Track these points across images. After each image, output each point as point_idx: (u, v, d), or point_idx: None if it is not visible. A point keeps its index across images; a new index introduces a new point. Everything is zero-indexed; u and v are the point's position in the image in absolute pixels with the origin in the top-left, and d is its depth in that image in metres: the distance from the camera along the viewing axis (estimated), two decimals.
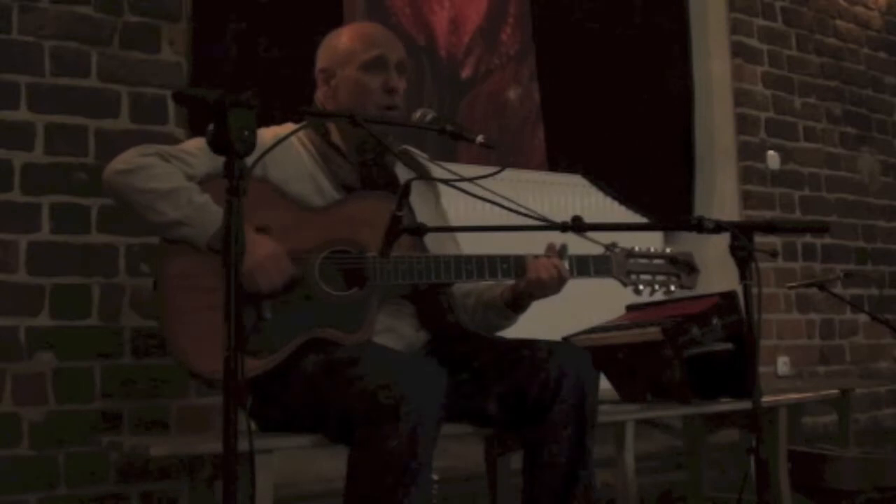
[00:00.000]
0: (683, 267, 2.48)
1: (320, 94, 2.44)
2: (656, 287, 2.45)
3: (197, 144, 2.28)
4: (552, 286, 2.32)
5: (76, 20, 2.80)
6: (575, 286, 2.43)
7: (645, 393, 2.83)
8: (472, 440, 2.65)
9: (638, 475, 2.80)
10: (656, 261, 2.47)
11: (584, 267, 2.38)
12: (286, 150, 2.25)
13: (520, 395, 2.24)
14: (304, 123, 2.36)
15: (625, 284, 2.43)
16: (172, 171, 2.19)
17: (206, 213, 2.15)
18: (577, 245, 2.30)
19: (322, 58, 2.45)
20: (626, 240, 2.45)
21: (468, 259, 2.29)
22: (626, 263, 2.43)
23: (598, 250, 2.40)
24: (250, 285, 2.12)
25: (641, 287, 2.44)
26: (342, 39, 2.43)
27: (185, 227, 2.15)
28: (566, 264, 2.34)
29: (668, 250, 2.51)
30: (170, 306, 2.16)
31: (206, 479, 2.65)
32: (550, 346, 2.29)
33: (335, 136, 2.41)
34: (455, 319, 2.44)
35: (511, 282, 2.36)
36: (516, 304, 2.38)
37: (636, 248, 2.44)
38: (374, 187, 2.37)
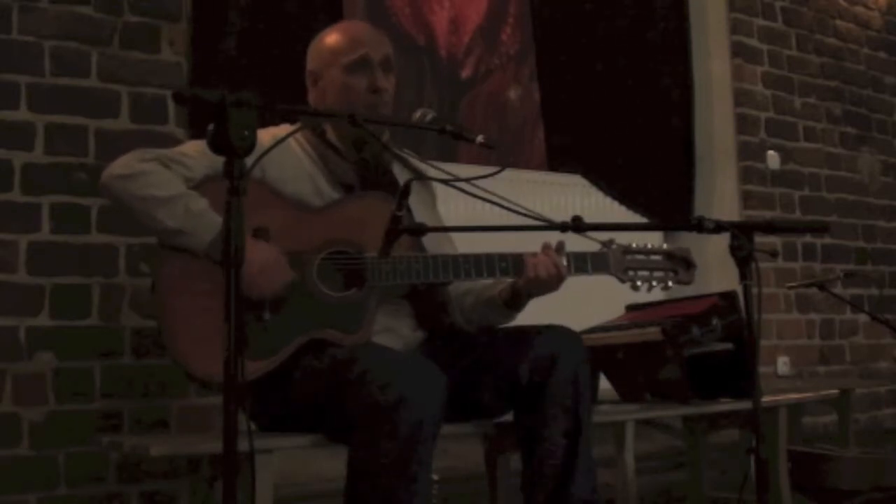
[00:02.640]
0: (681, 262, 2.48)
1: (311, 97, 2.44)
2: (654, 283, 2.45)
3: (195, 147, 2.28)
4: (551, 284, 2.32)
5: (76, 20, 2.80)
6: (575, 286, 2.43)
7: (645, 393, 2.83)
8: (472, 440, 2.65)
9: (638, 475, 2.80)
10: (653, 257, 2.47)
11: (582, 264, 2.38)
12: (284, 151, 2.25)
13: (513, 377, 2.24)
14: (299, 125, 2.36)
15: (622, 281, 2.43)
16: (171, 178, 2.18)
17: (204, 221, 2.14)
18: (577, 245, 2.30)
19: (310, 60, 2.45)
20: (625, 239, 2.45)
21: (466, 258, 2.29)
22: (623, 260, 2.43)
23: (596, 248, 2.40)
24: (251, 291, 2.12)
25: (639, 283, 2.44)
26: (326, 40, 2.43)
27: (182, 235, 2.15)
28: (563, 262, 2.35)
29: (664, 246, 2.51)
30: (168, 309, 2.15)
31: (206, 479, 2.65)
32: (541, 328, 2.30)
33: (332, 136, 2.41)
34: (450, 320, 2.44)
35: (509, 280, 2.36)
36: (515, 302, 2.39)
37: (633, 245, 2.44)
38: (372, 186, 2.37)
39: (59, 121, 2.75)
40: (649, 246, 2.47)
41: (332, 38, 2.42)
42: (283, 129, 2.34)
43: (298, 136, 2.38)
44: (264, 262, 2.14)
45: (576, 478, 2.21)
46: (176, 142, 2.78)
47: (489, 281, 2.41)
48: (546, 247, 2.35)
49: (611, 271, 2.42)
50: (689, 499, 3.50)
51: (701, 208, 4.24)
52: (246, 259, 2.08)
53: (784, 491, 3.05)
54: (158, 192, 2.15)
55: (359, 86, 2.35)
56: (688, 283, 2.51)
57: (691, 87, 4.34)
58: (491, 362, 2.28)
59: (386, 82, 2.38)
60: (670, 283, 2.48)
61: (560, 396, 2.22)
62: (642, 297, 2.55)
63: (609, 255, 2.41)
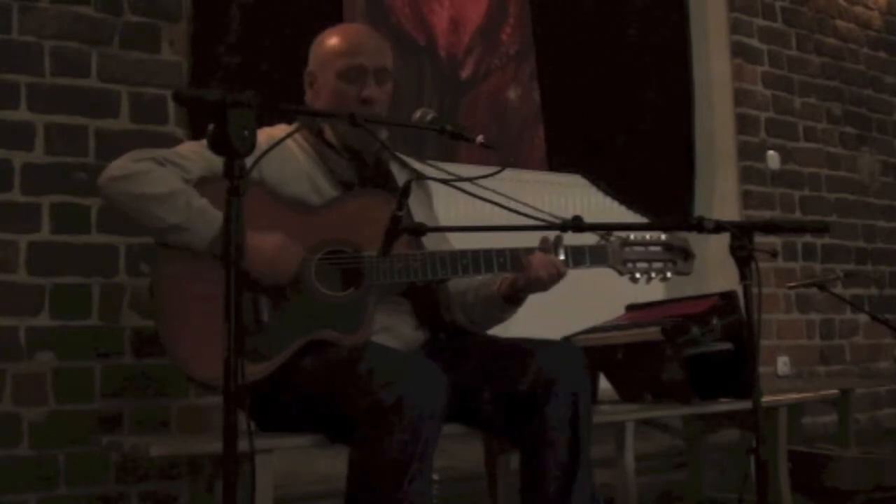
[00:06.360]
0: (679, 253, 2.48)
1: (308, 96, 2.45)
2: (653, 275, 2.45)
3: (191, 147, 2.28)
4: (551, 283, 2.33)
5: (76, 20, 2.80)
6: (575, 287, 2.43)
7: (645, 393, 2.83)
8: (472, 440, 2.65)
9: (638, 475, 2.80)
10: (652, 248, 2.46)
11: (580, 257, 2.38)
12: (281, 151, 2.25)
13: (511, 392, 2.23)
14: (297, 125, 2.36)
15: (621, 273, 2.43)
16: (168, 175, 2.18)
17: (205, 216, 2.14)
18: (575, 238, 2.29)
19: (310, 60, 2.46)
20: (623, 235, 2.45)
21: (464, 254, 2.29)
22: (621, 252, 2.42)
23: (594, 242, 2.40)
24: (268, 279, 2.14)
25: (638, 275, 2.43)
26: (326, 43, 2.42)
27: (184, 231, 2.14)
28: (562, 255, 2.34)
29: (663, 237, 2.50)
30: (167, 312, 2.15)
31: (206, 479, 2.65)
32: (542, 343, 2.30)
33: (329, 135, 2.41)
34: (450, 318, 2.44)
35: (508, 275, 2.36)
36: (514, 297, 2.39)
37: (631, 237, 2.44)
38: (370, 184, 2.37)
39: (59, 121, 2.75)
40: (647, 237, 2.47)
41: (332, 41, 2.42)
42: (280, 129, 2.34)
43: (296, 135, 2.38)
44: (273, 249, 2.15)
45: (573, 498, 2.20)
46: (176, 142, 2.77)
47: (486, 278, 2.41)
48: (544, 241, 2.35)
49: (609, 263, 2.41)
50: (689, 499, 3.51)
51: (701, 208, 4.24)
52: (256, 246, 2.10)
53: (784, 491, 3.05)
54: (156, 190, 2.14)
55: (349, 93, 2.35)
56: (687, 273, 2.50)
57: (691, 87, 4.34)
58: (491, 374, 2.27)
59: (378, 92, 2.37)
60: (669, 274, 2.47)
61: (558, 419, 2.20)
62: (642, 292, 2.55)
63: (607, 247, 2.41)
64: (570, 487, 2.21)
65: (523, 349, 2.27)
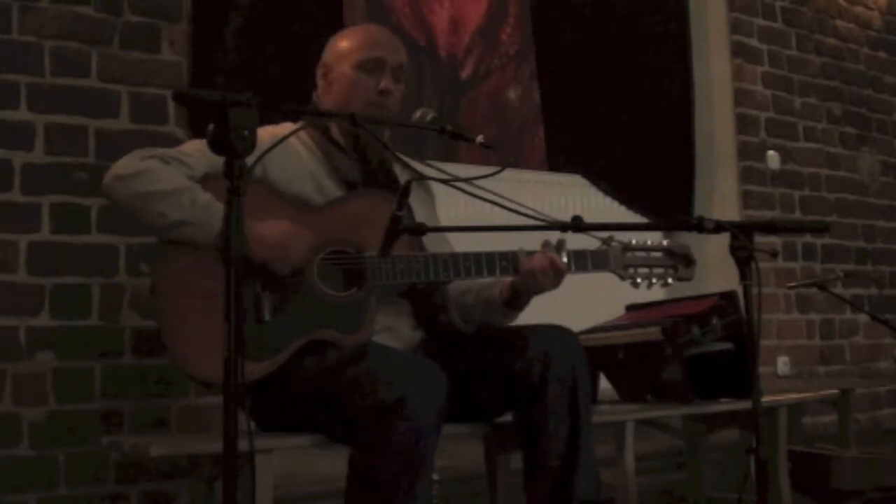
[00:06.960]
0: (681, 259, 2.48)
1: (319, 90, 2.46)
2: (654, 280, 2.45)
3: (195, 146, 2.28)
4: (547, 278, 2.31)
5: (76, 20, 2.80)
6: (575, 286, 2.43)
7: (645, 393, 2.83)
8: (472, 440, 2.65)
9: (638, 475, 2.80)
10: (653, 254, 2.47)
11: (582, 261, 2.38)
12: (286, 149, 2.25)
13: (509, 377, 2.24)
14: (302, 123, 2.36)
15: (622, 278, 2.43)
16: (173, 173, 2.18)
17: (210, 211, 2.14)
18: (577, 242, 2.30)
19: (325, 54, 2.48)
20: (625, 238, 2.45)
21: (466, 256, 2.29)
22: (623, 257, 2.43)
23: (596, 246, 2.40)
24: (277, 263, 2.14)
25: (639, 280, 2.44)
26: (345, 37, 2.46)
27: (189, 226, 2.13)
28: (564, 258, 2.34)
29: (664, 243, 2.50)
30: (168, 311, 2.15)
31: (206, 479, 2.65)
32: (536, 327, 2.31)
33: (335, 132, 2.42)
34: (447, 319, 2.44)
35: (509, 279, 2.36)
36: (515, 301, 2.39)
37: (633, 242, 2.44)
38: (374, 184, 2.37)
39: (59, 121, 2.75)
40: (649, 243, 2.47)
41: (351, 36, 2.46)
42: (284, 127, 2.34)
43: (301, 133, 2.39)
44: (285, 231, 2.16)
45: (577, 474, 2.21)
46: (176, 142, 2.78)
47: (488, 280, 2.41)
48: (545, 245, 2.35)
49: (611, 268, 2.42)
50: (689, 499, 3.51)
51: (701, 208, 4.24)
52: (264, 234, 2.10)
53: (784, 491, 3.05)
54: (160, 187, 2.15)
55: (366, 84, 2.37)
56: (688, 279, 2.51)
57: (691, 87, 4.34)
58: (486, 363, 2.28)
59: (394, 87, 2.39)
60: (670, 280, 2.48)
61: (557, 394, 2.21)
62: (643, 295, 2.55)
63: (609, 252, 2.41)
64: (571, 471, 2.21)
65: (518, 333, 2.29)
